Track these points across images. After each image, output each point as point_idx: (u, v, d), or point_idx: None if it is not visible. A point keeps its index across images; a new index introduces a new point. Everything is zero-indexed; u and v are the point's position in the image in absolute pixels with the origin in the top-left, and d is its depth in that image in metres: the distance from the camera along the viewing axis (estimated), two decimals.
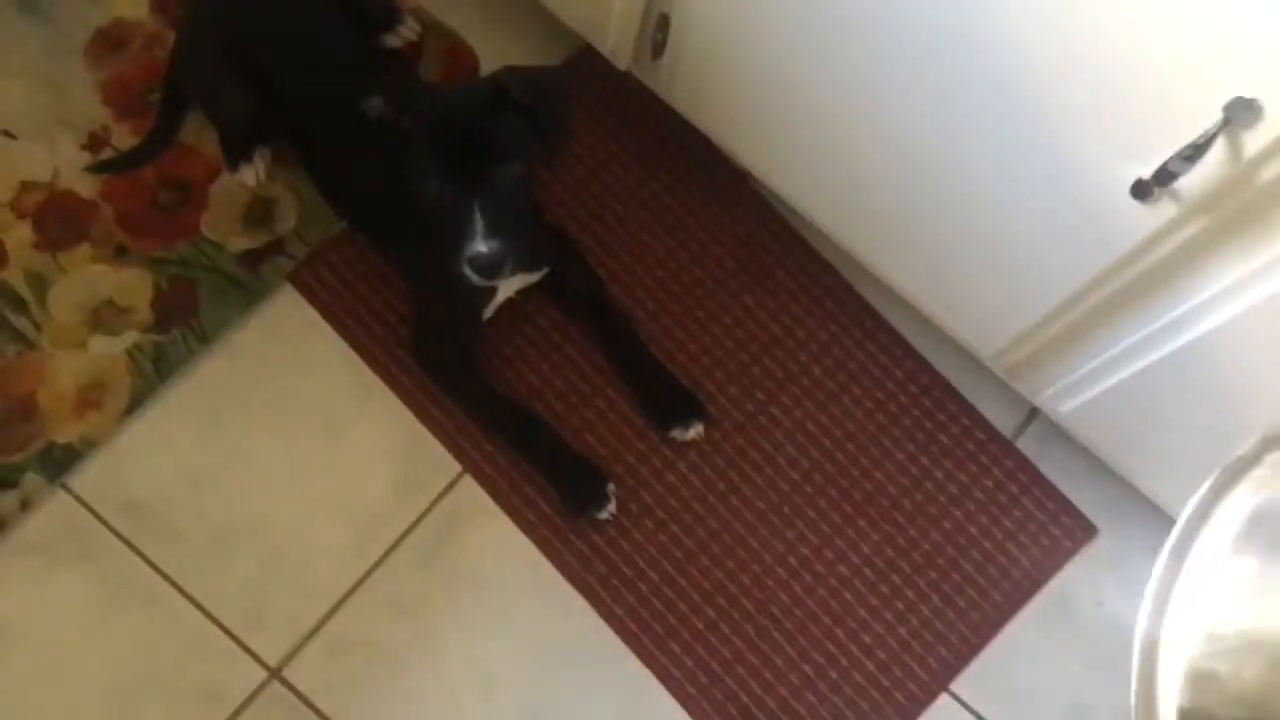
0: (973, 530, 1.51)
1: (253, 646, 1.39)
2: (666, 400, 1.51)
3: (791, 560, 1.48)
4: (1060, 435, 1.51)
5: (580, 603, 1.44)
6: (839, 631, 1.46)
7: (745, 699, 1.43)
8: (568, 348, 1.53)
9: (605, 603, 1.44)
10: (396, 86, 1.26)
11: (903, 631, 1.47)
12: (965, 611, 1.48)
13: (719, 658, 1.44)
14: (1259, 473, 0.73)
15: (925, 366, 1.57)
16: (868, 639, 1.46)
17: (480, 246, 1.20)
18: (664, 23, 1.37)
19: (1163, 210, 1.00)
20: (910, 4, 1.06)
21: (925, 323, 1.49)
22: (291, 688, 1.38)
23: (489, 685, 1.40)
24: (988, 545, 1.51)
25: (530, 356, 1.53)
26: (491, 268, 1.21)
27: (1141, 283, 1.11)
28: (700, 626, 1.45)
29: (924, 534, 1.51)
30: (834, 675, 1.44)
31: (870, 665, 1.45)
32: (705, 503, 1.49)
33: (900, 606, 1.48)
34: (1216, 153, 0.91)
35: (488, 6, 1.64)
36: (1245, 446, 0.74)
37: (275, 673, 1.38)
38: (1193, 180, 0.95)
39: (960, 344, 1.46)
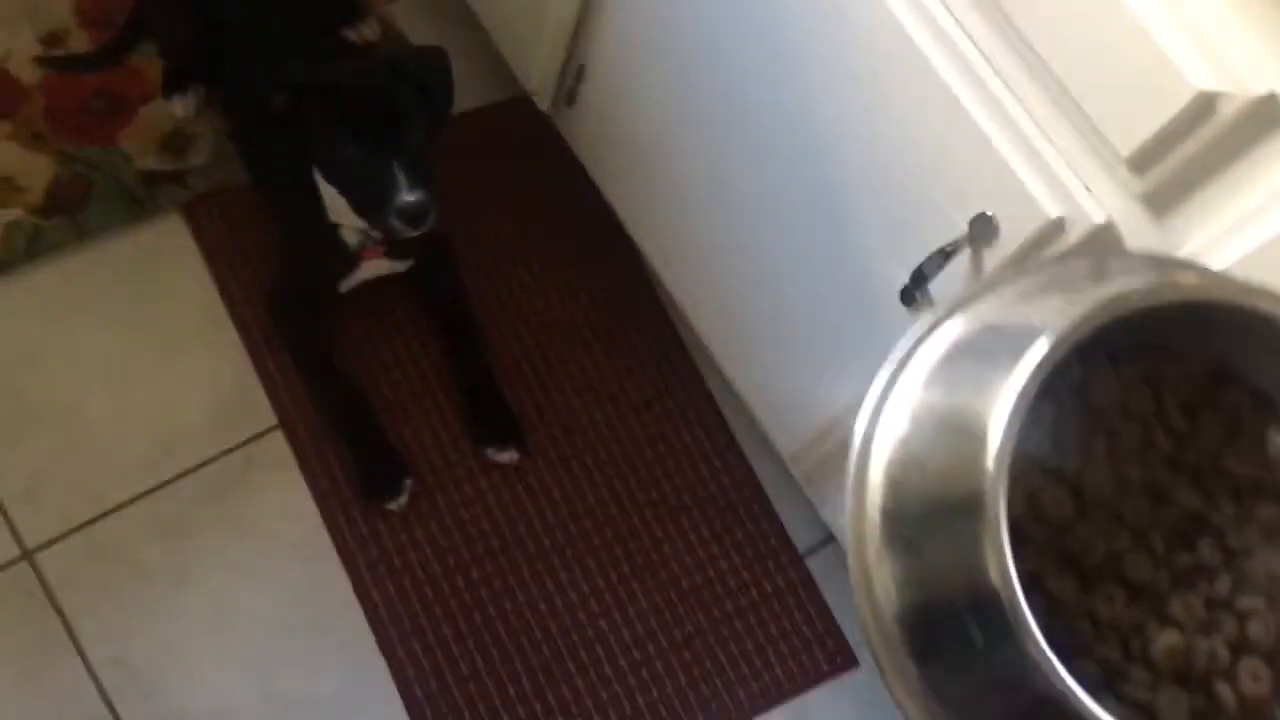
0: (738, 625, 1.54)
1: (16, 521, 1.41)
2: (490, 419, 1.56)
3: (557, 600, 1.51)
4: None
5: (341, 577, 1.46)
6: (579, 681, 1.48)
7: (466, 716, 1.44)
8: (415, 343, 1.60)
9: (365, 584, 1.47)
10: (301, 70, 1.35)
11: (640, 702, 1.49)
12: (706, 701, 1.50)
13: (456, 670, 1.46)
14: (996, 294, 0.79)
15: (743, 463, 1.63)
16: (604, 696, 1.48)
17: (407, 196, 1.26)
18: (580, 72, 1.49)
19: (924, 321, 1.08)
20: (751, 97, 1.18)
21: (754, 424, 1.55)
22: (39, 573, 1.40)
23: (224, 625, 1.41)
24: (748, 644, 1.54)
25: (379, 341, 1.59)
26: (419, 216, 1.28)
27: None
28: (448, 635, 1.47)
29: (691, 615, 1.54)
30: None
31: None
32: (493, 521, 1.53)
33: (645, 675, 1.50)
34: (962, 264, 0.99)
35: (447, 30, 1.76)
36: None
37: (28, 554, 1.41)
38: (942, 288, 1.03)
39: (770, 441, 1.52)
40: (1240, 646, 0.75)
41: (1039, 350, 0.66)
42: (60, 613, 1.39)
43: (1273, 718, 0.74)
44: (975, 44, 0.91)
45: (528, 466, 1.56)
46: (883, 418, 0.76)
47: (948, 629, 0.72)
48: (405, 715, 1.42)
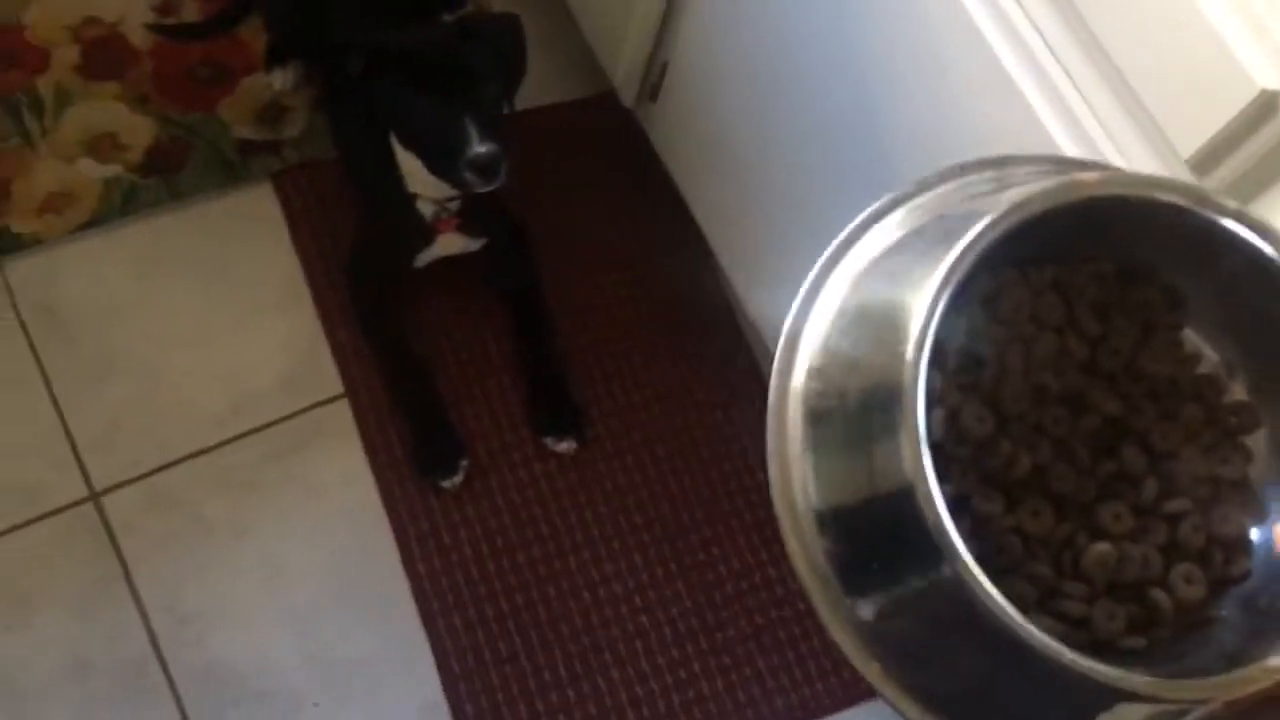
0: (781, 635, 1.53)
1: (87, 464, 1.46)
2: (553, 408, 1.57)
3: (601, 591, 1.51)
4: None
5: (391, 547, 1.48)
6: (615, 673, 1.48)
7: (500, 696, 1.44)
8: (484, 325, 1.62)
9: (414, 556, 1.49)
10: (376, 34, 1.38)
11: (674, 701, 1.48)
12: (741, 708, 1.49)
13: (495, 649, 1.46)
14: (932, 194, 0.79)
15: None
16: (639, 691, 1.47)
17: (478, 148, 1.27)
18: (664, 69, 1.50)
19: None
20: (828, 98, 1.17)
21: None
22: (103, 516, 1.45)
23: (273, 582, 1.44)
24: (789, 656, 1.52)
25: (449, 320, 1.62)
26: (490, 168, 1.28)
27: None
28: (490, 614, 1.48)
29: (733, 620, 1.52)
30: (592, 711, 1.45)
31: (630, 718, 1.46)
32: (545, 507, 1.54)
33: (681, 675, 1.49)
34: None
35: (542, 24, 1.79)
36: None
37: (95, 496, 1.46)
38: None
39: None
40: (1171, 550, 0.74)
41: (949, 259, 0.66)
42: (120, 556, 1.43)
43: (1210, 618, 0.73)
44: (1041, 34, 0.90)
45: (583, 456, 1.57)
46: (809, 318, 0.76)
47: (870, 537, 0.71)
48: (441, 688, 1.44)
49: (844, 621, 0.72)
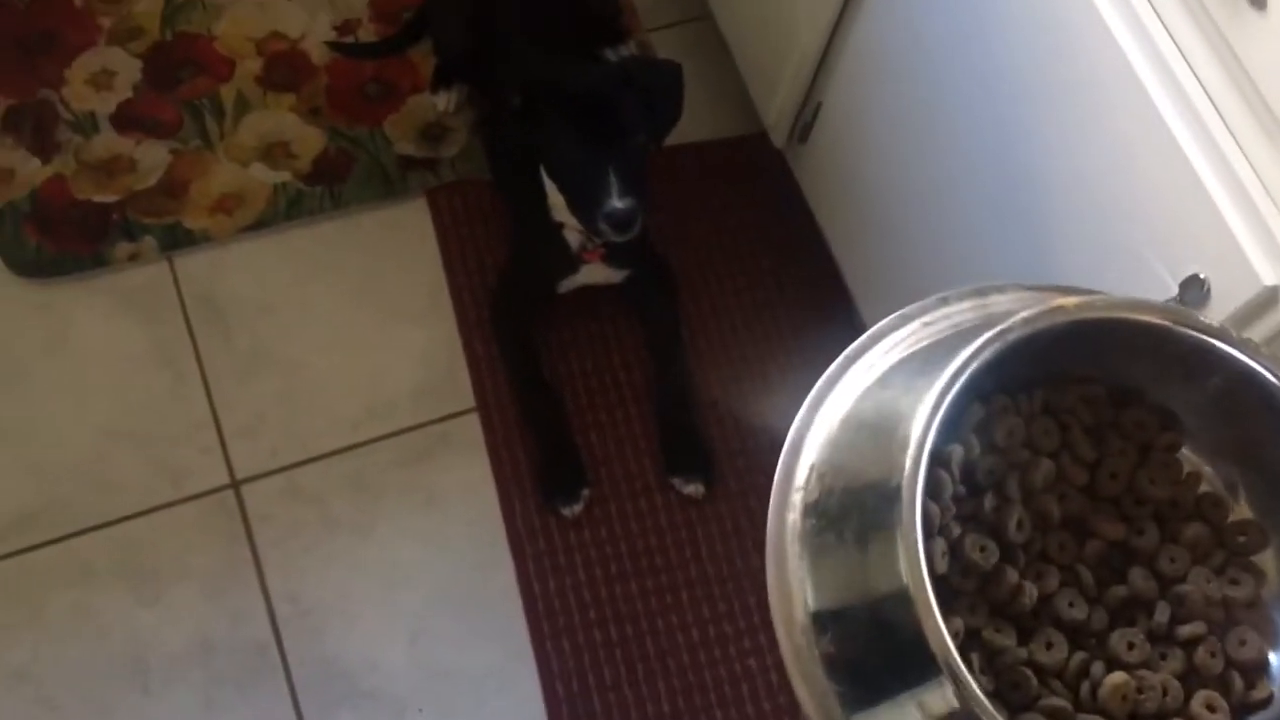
0: None
1: (231, 453, 1.53)
2: (683, 450, 1.57)
3: (711, 630, 1.50)
4: None
5: (507, 563, 1.50)
6: (718, 714, 1.46)
7: None
8: (618, 355, 1.63)
9: (528, 574, 1.50)
10: (538, 73, 1.41)
11: None
12: None
13: (600, 676, 1.46)
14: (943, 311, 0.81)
15: None
16: None
17: (616, 203, 1.32)
18: (818, 109, 1.50)
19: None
20: (975, 145, 1.15)
21: None
22: (241, 503, 1.51)
23: (391, 585, 1.48)
24: None
25: (584, 346, 1.64)
26: (625, 223, 1.33)
27: None
28: (598, 640, 1.48)
29: None
30: None
31: None
32: (661, 539, 1.54)
33: None
34: None
35: (701, 63, 1.81)
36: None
37: (235, 484, 1.52)
38: None
39: None
40: (1190, 677, 0.72)
41: (937, 387, 0.67)
42: (252, 543, 1.49)
43: None
44: (1205, 89, 0.86)
45: (706, 493, 1.56)
46: (813, 424, 0.79)
47: (862, 644, 0.71)
48: (543, 709, 1.44)
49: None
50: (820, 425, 0.78)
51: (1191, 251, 0.88)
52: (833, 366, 0.81)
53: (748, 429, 1.61)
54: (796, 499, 0.75)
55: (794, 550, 0.74)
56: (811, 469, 0.76)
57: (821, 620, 0.72)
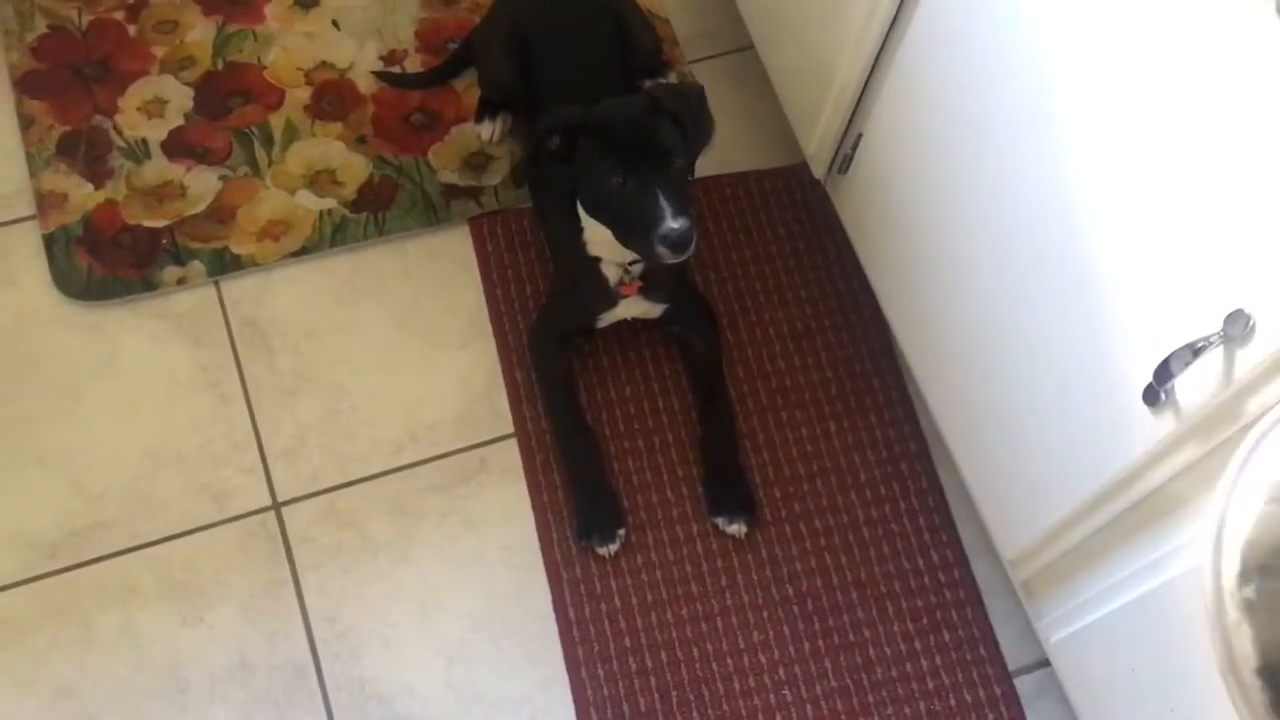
0: None
1: (273, 475, 1.55)
2: (726, 488, 1.57)
3: (746, 659, 1.49)
4: (1060, 696, 1.44)
5: (544, 590, 1.51)
6: None
7: None
8: (658, 386, 1.64)
9: (564, 601, 1.51)
10: (573, 113, 1.40)
11: None
12: None
13: (634, 704, 1.46)
14: None
15: (963, 562, 1.56)
16: None
17: (673, 224, 1.32)
18: (858, 141, 1.50)
19: (1165, 424, 1.01)
20: (1015, 178, 1.15)
21: (979, 524, 1.49)
22: (282, 524, 1.52)
23: (428, 609, 1.49)
24: None
25: (623, 377, 1.65)
26: (683, 242, 1.33)
27: (1148, 505, 1.11)
28: (633, 668, 1.48)
29: (880, 706, 1.48)
30: None
31: None
32: (698, 568, 1.54)
33: None
34: (1213, 362, 0.92)
35: (741, 95, 1.83)
36: None
37: (277, 505, 1.54)
38: (1189, 389, 0.96)
39: (993, 542, 1.45)
40: None
41: None
42: (292, 564, 1.50)
43: None
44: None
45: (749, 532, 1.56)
46: (1233, 499, 0.81)
47: None
48: None
49: None
50: (1243, 498, 0.82)
51: (1236, 285, 0.87)
52: (1247, 443, 0.85)
53: (784, 457, 1.61)
54: (1229, 574, 0.81)
55: (1233, 622, 0.80)
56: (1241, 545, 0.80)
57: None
